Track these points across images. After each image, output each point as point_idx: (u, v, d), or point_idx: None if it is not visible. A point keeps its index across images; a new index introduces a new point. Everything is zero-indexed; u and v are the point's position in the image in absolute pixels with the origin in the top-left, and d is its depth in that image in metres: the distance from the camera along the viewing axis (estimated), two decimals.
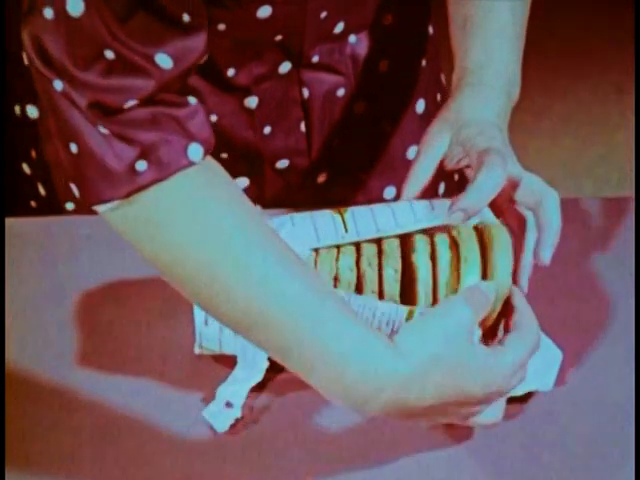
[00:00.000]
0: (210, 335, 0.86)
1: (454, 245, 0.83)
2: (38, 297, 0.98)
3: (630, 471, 0.81)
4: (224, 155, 1.10)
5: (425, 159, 0.91)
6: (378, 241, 0.85)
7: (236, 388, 0.86)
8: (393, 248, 0.83)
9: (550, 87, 2.91)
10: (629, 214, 1.04)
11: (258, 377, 0.86)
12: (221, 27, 0.95)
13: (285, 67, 1.04)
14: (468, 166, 0.89)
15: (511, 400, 0.83)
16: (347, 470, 0.83)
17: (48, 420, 0.86)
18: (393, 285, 0.82)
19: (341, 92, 1.09)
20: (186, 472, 0.83)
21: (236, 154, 1.09)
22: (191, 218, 0.74)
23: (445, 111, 0.94)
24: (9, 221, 1.05)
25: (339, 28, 1.04)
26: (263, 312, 0.74)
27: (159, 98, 0.75)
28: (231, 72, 1.02)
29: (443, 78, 1.22)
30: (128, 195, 0.73)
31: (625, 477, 0.81)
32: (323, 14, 1.00)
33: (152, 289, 0.97)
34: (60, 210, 1.11)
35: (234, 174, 1.09)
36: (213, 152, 1.05)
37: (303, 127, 1.10)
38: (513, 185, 0.87)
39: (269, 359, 0.85)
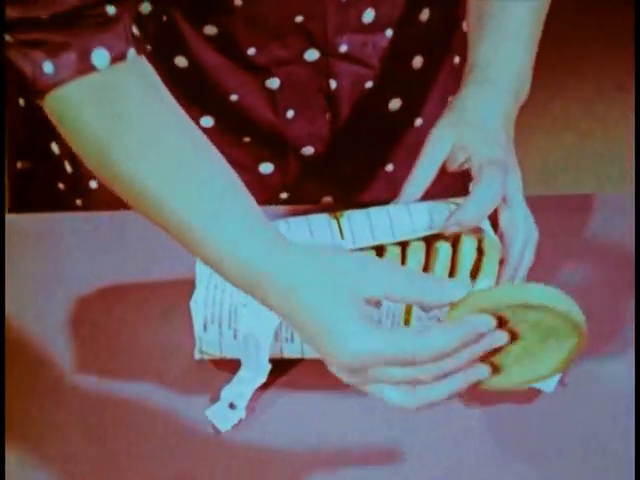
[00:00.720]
0: (210, 340, 0.86)
1: (453, 252, 0.84)
2: (38, 295, 0.98)
3: (630, 471, 0.81)
4: (247, 139, 1.10)
5: (426, 161, 0.90)
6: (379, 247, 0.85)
7: (241, 389, 0.86)
8: (394, 254, 0.83)
9: (550, 84, 2.91)
10: (629, 211, 1.04)
11: (262, 378, 0.86)
12: (238, 3, 0.96)
13: (312, 55, 1.04)
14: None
15: (511, 397, 0.83)
16: (346, 470, 0.83)
17: (48, 420, 0.86)
18: None
19: (369, 84, 1.09)
20: (187, 472, 0.83)
21: (259, 137, 1.10)
22: (101, 110, 0.78)
23: (449, 111, 0.93)
24: (9, 217, 1.05)
25: (368, 17, 1.03)
26: (160, 192, 0.78)
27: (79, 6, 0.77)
28: (251, 51, 1.02)
29: None
30: (41, 94, 0.78)
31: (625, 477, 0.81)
32: None
33: (152, 289, 0.97)
34: (85, 190, 1.14)
35: (259, 159, 1.12)
36: (236, 135, 1.08)
37: (328, 116, 1.09)
38: (502, 205, 0.87)
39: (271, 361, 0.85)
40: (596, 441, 0.84)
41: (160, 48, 1.02)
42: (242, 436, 0.85)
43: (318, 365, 0.76)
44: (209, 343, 0.86)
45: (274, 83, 1.05)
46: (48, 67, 0.77)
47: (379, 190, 1.15)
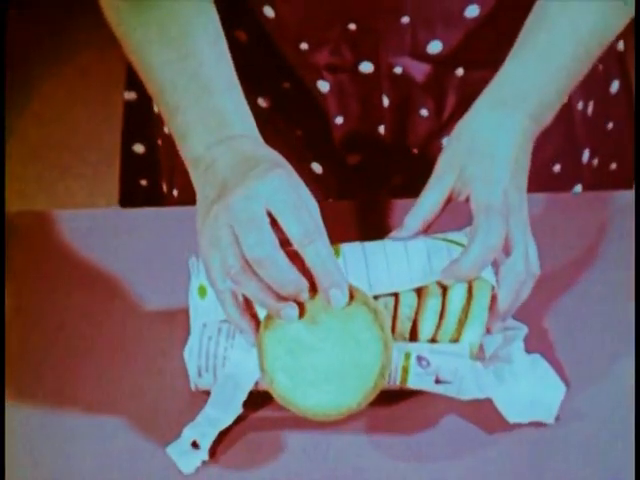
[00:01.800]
0: (205, 384, 0.84)
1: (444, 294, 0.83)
2: (38, 292, 0.98)
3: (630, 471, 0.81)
4: (299, 132, 1.11)
5: (431, 193, 0.87)
6: None
7: (205, 429, 0.82)
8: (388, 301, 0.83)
9: None
10: (629, 209, 1.04)
11: (229, 420, 0.83)
12: None
13: (366, 67, 1.03)
14: None
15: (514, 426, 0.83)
16: None
17: (48, 420, 0.86)
18: (406, 323, 0.82)
19: (425, 113, 1.08)
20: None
21: (309, 135, 1.10)
22: None
23: (457, 137, 0.89)
24: (9, 214, 1.05)
25: (435, 48, 1.02)
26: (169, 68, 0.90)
27: None
28: (304, 46, 1.03)
29: None
30: None
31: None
32: (404, 19, 0.99)
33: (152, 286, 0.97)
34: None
35: (308, 158, 1.13)
36: (290, 125, 1.12)
37: (382, 130, 1.09)
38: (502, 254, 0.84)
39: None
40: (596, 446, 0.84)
41: (223, 16, 1.01)
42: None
43: None
44: (204, 385, 0.85)
45: (324, 86, 1.05)
46: None
47: None
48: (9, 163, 2.56)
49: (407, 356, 0.81)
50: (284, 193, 0.78)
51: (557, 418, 0.84)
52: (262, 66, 1.07)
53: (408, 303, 0.82)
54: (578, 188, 1.18)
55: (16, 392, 0.88)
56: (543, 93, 0.91)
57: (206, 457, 0.82)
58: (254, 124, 0.89)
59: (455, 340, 0.83)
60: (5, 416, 0.86)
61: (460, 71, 1.05)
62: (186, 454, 0.82)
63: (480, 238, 0.81)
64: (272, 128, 1.09)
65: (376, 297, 0.81)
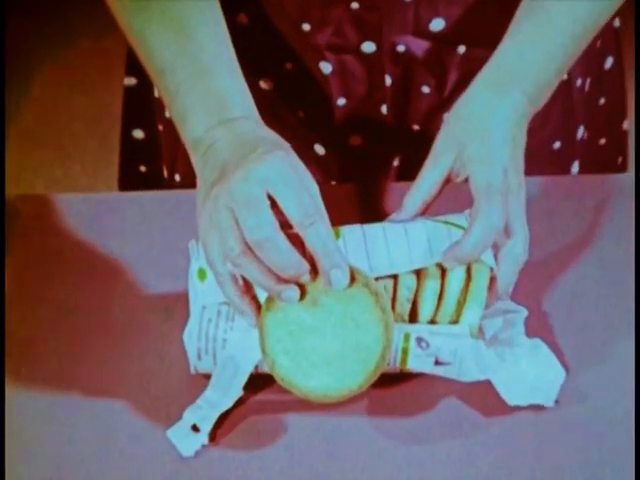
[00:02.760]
0: (204, 367, 0.85)
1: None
2: (38, 278, 0.98)
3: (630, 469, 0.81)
4: (301, 114, 1.10)
5: (429, 174, 0.87)
6: None
7: (205, 412, 0.83)
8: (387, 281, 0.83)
9: None
10: (629, 191, 1.04)
11: (229, 403, 0.83)
12: None
13: (369, 47, 1.03)
14: None
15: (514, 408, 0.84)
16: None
17: (48, 404, 0.86)
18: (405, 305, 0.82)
19: (426, 90, 1.08)
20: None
21: (312, 116, 1.10)
22: None
23: (454, 116, 0.89)
24: (9, 199, 1.05)
25: (437, 25, 1.02)
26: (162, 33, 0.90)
27: None
28: (306, 27, 1.02)
29: None
30: None
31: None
32: None
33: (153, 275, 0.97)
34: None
35: (311, 140, 1.12)
36: (292, 107, 1.11)
37: (384, 110, 1.09)
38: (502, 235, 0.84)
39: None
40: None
41: (224, 2, 1.02)
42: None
43: None
44: (204, 369, 0.85)
45: (326, 68, 1.05)
46: None
47: None
48: (9, 148, 2.55)
49: (406, 337, 0.81)
50: (284, 175, 0.78)
51: (556, 401, 0.84)
52: (264, 48, 1.07)
53: (407, 285, 0.82)
54: (576, 165, 1.18)
55: (16, 375, 0.88)
56: (540, 72, 0.91)
57: (206, 441, 0.82)
58: (254, 106, 0.88)
59: (454, 322, 0.83)
60: (5, 400, 0.86)
61: (462, 49, 1.05)
62: (186, 437, 0.82)
63: (482, 220, 0.81)
64: (274, 110, 1.09)
65: (376, 279, 0.80)
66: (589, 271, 0.96)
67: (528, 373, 0.84)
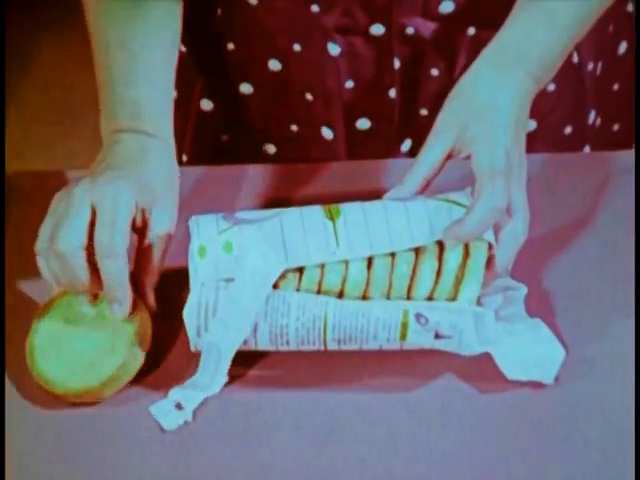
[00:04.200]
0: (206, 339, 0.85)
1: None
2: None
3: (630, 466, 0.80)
4: (309, 97, 1.10)
5: (431, 150, 0.87)
6: None
7: (191, 393, 0.84)
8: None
9: None
10: (629, 169, 1.04)
11: (216, 388, 0.84)
12: None
13: (377, 29, 1.03)
14: None
15: (515, 385, 0.84)
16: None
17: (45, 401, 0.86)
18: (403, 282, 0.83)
19: (435, 72, 1.07)
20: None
21: (320, 99, 1.09)
22: None
23: (458, 93, 0.89)
24: (9, 175, 1.05)
25: (447, 8, 1.02)
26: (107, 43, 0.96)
27: None
28: (315, 8, 1.02)
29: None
30: None
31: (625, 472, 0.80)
32: None
33: None
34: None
35: (318, 122, 1.12)
36: (300, 90, 1.11)
37: (393, 94, 1.08)
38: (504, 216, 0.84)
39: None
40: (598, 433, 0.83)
41: None
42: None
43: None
44: (205, 340, 0.86)
45: (334, 49, 1.05)
46: None
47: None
48: (9, 125, 2.55)
49: (405, 313, 0.81)
50: (108, 206, 0.83)
51: (556, 379, 0.84)
52: (272, 29, 1.06)
53: (405, 261, 0.82)
54: (587, 149, 1.18)
55: (16, 357, 0.88)
56: (544, 53, 0.90)
57: (190, 418, 0.83)
58: (170, 125, 0.95)
59: (452, 299, 0.83)
60: (5, 381, 0.86)
61: (472, 30, 1.05)
62: (169, 413, 0.83)
63: (484, 201, 0.81)
64: (283, 91, 1.08)
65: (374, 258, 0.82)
66: (589, 249, 0.96)
67: (528, 349, 0.84)
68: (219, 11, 1.08)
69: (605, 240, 0.97)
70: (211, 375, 0.84)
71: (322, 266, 0.82)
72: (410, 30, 1.04)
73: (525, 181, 0.85)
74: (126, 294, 0.84)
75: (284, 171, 1.06)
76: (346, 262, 0.82)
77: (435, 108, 1.08)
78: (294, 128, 1.13)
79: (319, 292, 0.82)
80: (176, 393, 0.84)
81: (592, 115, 1.17)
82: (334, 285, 0.82)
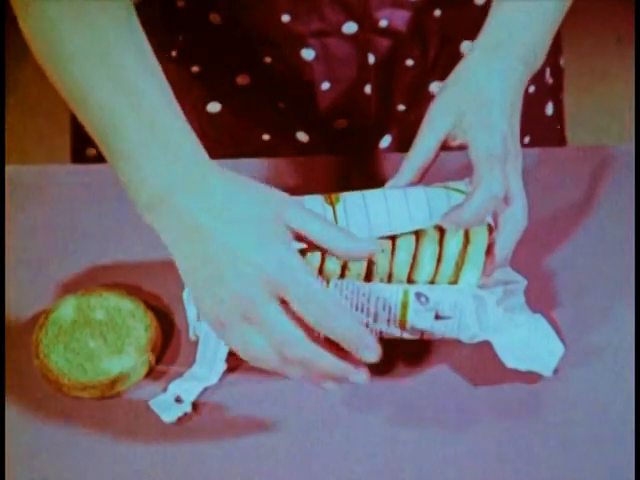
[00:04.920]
0: (202, 329, 0.85)
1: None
2: (38, 247, 0.98)
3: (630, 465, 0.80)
4: (281, 105, 1.09)
5: (426, 138, 0.87)
6: None
7: (190, 385, 0.84)
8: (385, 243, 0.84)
9: None
10: (629, 163, 1.04)
11: (215, 378, 0.84)
12: None
13: (350, 27, 1.03)
14: None
15: (515, 378, 0.84)
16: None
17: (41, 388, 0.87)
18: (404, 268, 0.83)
19: (410, 63, 1.07)
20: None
21: (293, 105, 1.09)
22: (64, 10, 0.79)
23: (453, 81, 0.89)
24: (9, 169, 1.05)
25: None
26: (94, 88, 0.78)
27: None
28: (286, 18, 1.01)
29: None
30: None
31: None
32: None
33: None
34: None
35: (293, 127, 1.11)
36: (271, 100, 1.08)
37: (368, 90, 1.08)
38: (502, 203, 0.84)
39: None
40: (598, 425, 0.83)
41: (196, 2, 1.01)
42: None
43: None
44: (201, 331, 0.86)
45: (309, 54, 1.04)
46: None
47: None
48: (9, 118, 2.55)
49: (405, 293, 0.81)
50: (289, 275, 0.73)
51: (555, 371, 0.84)
52: (239, 46, 1.05)
53: (406, 247, 0.82)
54: (550, 107, 1.19)
55: (16, 342, 0.88)
56: (535, 36, 0.91)
57: (189, 409, 0.83)
58: (202, 150, 0.80)
59: (453, 283, 0.83)
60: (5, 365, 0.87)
61: (438, 12, 1.05)
62: (169, 407, 0.83)
63: (483, 188, 0.81)
64: (252, 104, 1.08)
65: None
66: (588, 240, 0.97)
67: (528, 340, 0.84)
68: (180, 37, 1.07)
69: (604, 232, 0.97)
70: (209, 365, 0.84)
71: (322, 253, 0.82)
72: (384, 23, 1.03)
73: (521, 168, 0.86)
74: (369, 337, 0.74)
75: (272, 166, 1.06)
76: None
77: (412, 101, 1.09)
78: (266, 137, 1.13)
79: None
80: (176, 387, 0.84)
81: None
82: (334, 271, 0.82)
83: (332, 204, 0.84)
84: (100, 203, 1.01)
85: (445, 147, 0.88)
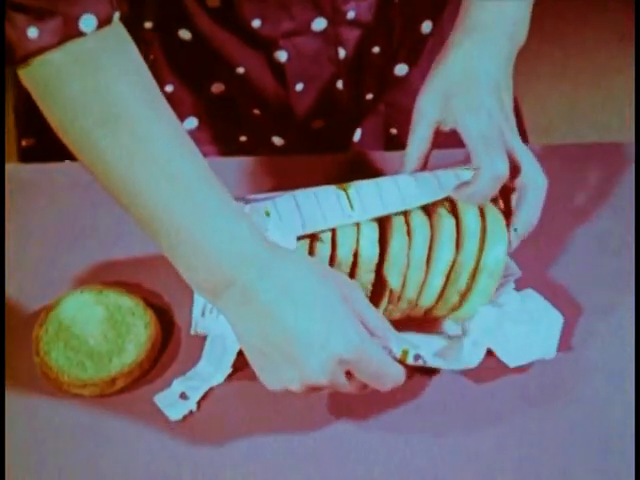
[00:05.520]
0: (204, 327, 0.86)
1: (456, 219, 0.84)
2: (40, 244, 0.98)
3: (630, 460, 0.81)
4: (256, 111, 1.09)
5: (418, 132, 0.89)
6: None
7: (195, 383, 0.84)
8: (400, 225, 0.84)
9: (549, 32, 2.89)
10: (629, 159, 1.04)
11: (220, 378, 0.85)
12: None
13: (319, 24, 1.03)
14: None
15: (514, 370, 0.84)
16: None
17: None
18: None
19: (377, 50, 1.08)
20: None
21: (268, 111, 1.09)
22: (83, 80, 0.74)
23: (437, 71, 0.90)
24: (9, 167, 1.05)
25: None
26: (137, 178, 0.75)
27: None
28: (256, 23, 1.01)
29: None
30: (23, 60, 0.74)
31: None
32: None
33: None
34: None
35: (268, 133, 1.11)
36: (246, 107, 1.07)
37: (340, 85, 1.08)
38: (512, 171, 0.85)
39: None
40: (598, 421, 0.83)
41: (164, 21, 1.01)
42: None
43: None
44: (204, 328, 0.86)
45: (282, 56, 1.04)
46: (32, 32, 0.72)
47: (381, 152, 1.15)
48: (9, 116, 2.54)
49: (404, 352, 0.80)
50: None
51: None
52: (211, 59, 1.05)
53: (421, 234, 0.83)
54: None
55: (16, 340, 0.89)
56: (518, 10, 0.92)
57: (194, 407, 0.84)
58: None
59: (478, 261, 0.83)
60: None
61: None
62: (174, 404, 0.83)
63: (486, 169, 0.82)
64: (228, 112, 1.08)
65: (388, 221, 0.83)
66: (588, 239, 0.97)
67: (524, 330, 0.84)
68: (151, 57, 1.06)
69: (604, 230, 0.97)
70: (215, 366, 0.85)
71: (334, 236, 0.82)
72: (351, 14, 1.03)
73: (519, 139, 0.86)
74: (396, 367, 0.78)
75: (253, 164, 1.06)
76: (358, 235, 0.82)
77: (379, 87, 1.09)
78: (243, 139, 1.13)
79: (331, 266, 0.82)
80: (180, 383, 0.85)
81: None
82: (346, 258, 0.82)
83: (344, 189, 0.85)
84: (100, 201, 1.00)
85: (440, 144, 0.89)
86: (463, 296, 0.84)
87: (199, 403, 0.84)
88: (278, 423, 0.83)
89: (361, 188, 0.85)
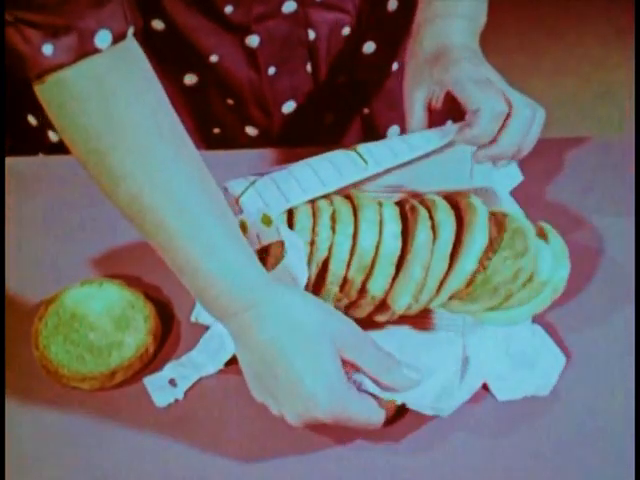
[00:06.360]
0: (205, 317, 0.86)
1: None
2: (38, 238, 0.98)
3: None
4: (230, 101, 1.09)
5: (413, 115, 0.93)
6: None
7: (186, 372, 0.85)
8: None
9: (550, 26, 2.89)
10: (629, 153, 1.04)
11: (211, 370, 0.85)
12: None
13: (290, 6, 1.03)
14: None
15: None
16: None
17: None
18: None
19: (347, 31, 1.08)
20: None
21: (242, 99, 1.09)
22: (98, 103, 0.74)
23: (411, 52, 0.95)
24: (9, 161, 1.05)
25: None
26: (150, 204, 0.76)
27: None
28: (229, 9, 1.01)
29: None
30: (38, 76, 0.73)
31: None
32: None
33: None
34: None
35: (243, 123, 1.11)
36: (220, 98, 1.07)
37: (309, 68, 1.09)
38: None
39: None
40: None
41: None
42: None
43: None
44: (205, 319, 0.87)
45: (254, 41, 1.04)
46: (47, 49, 0.72)
47: (356, 134, 1.17)
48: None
49: (391, 402, 0.80)
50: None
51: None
52: (184, 49, 1.05)
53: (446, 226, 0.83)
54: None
55: (16, 334, 0.89)
56: None
57: (181, 396, 0.84)
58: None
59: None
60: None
61: None
62: (162, 389, 0.84)
63: (486, 109, 0.86)
64: (201, 103, 1.08)
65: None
66: (588, 243, 0.97)
67: (522, 374, 0.83)
68: None
69: (603, 230, 0.97)
70: (209, 357, 0.85)
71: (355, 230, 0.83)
72: None
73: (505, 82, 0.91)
74: (376, 416, 0.79)
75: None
76: (380, 228, 0.83)
77: (348, 68, 1.11)
78: (217, 131, 1.13)
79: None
80: (171, 369, 0.85)
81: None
82: (368, 254, 0.82)
83: (354, 150, 0.89)
84: (100, 194, 1.01)
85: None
86: (506, 299, 0.83)
87: (193, 398, 0.84)
88: (276, 421, 0.82)
89: (370, 146, 0.90)
